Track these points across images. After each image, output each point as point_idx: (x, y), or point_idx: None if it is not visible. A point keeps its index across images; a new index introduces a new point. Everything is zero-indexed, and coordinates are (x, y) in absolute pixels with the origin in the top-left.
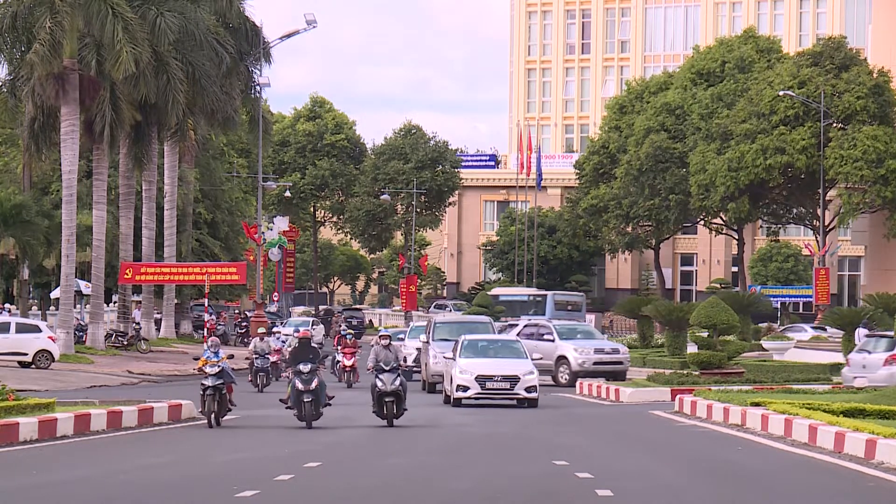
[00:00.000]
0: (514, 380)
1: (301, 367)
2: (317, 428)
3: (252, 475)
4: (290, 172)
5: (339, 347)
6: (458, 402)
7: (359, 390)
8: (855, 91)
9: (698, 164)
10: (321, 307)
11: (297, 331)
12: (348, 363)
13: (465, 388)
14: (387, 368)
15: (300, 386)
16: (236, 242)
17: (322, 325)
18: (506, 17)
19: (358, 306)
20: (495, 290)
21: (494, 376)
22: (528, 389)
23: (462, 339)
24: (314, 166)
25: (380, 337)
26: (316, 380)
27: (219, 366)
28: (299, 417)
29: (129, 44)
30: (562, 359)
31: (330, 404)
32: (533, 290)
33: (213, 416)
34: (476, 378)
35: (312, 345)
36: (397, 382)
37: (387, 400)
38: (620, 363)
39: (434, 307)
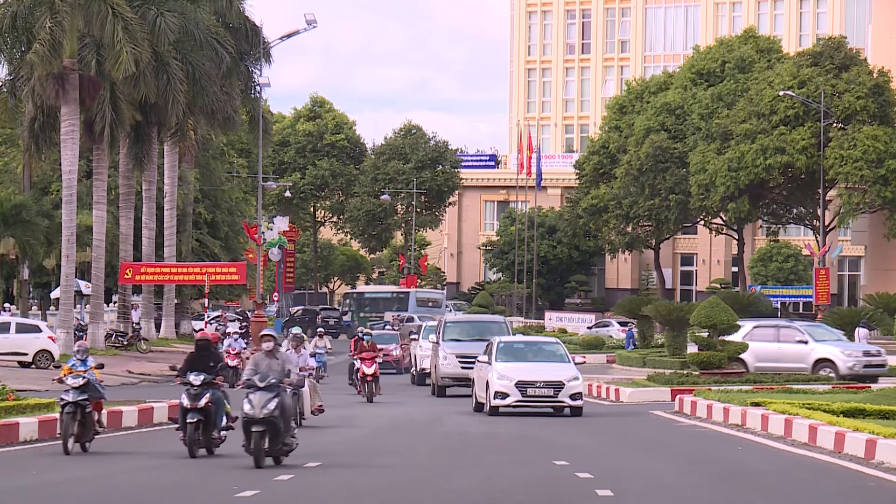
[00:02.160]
0: (557, 386)
1: (192, 377)
2: (209, 457)
3: (252, 475)
4: (290, 172)
5: (356, 352)
6: (495, 411)
7: (382, 405)
8: (855, 91)
9: (698, 164)
10: (298, 307)
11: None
12: (369, 371)
13: (504, 395)
14: (261, 385)
15: (186, 402)
16: (236, 242)
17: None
18: (506, 17)
19: (335, 305)
20: (361, 288)
21: (536, 382)
22: (572, 397)
23: (497, 341)
24: (314, 166)
25: (261, 337)
26: (208, 395)
27: (84, 377)
28: (183, 442)
29: (129, 44)
30: (823, 362)
31: (232, 427)
32: (395, 288)
33: (71, 439)
34: (516, 384)
35: (216, 350)
36: (272, 406)
37: (254, 430)
38: (883, 365)
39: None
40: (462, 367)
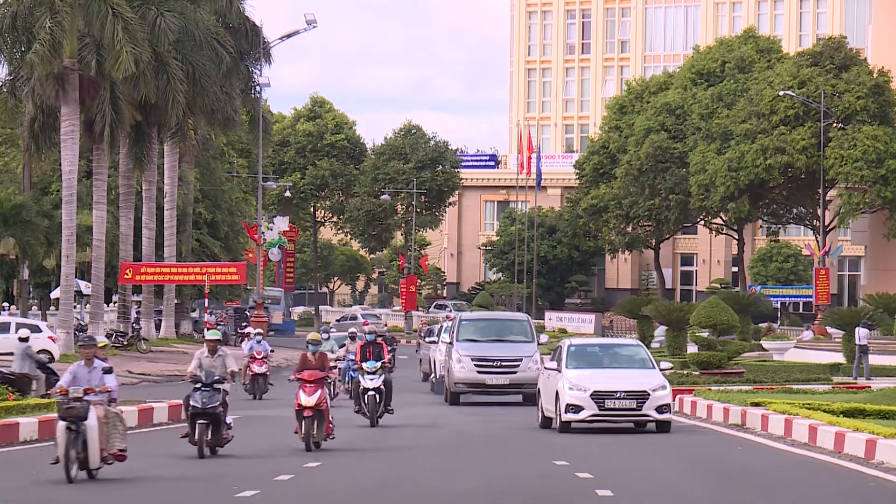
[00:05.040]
0: (641, 397)
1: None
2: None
3: (252, 475)
4: (290, 172)
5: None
6: (566, 427)
7: (331, 455)
8: (855, 91)
9: (698, 164)
10: (231, 307)
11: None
12: (308, 401)
13: (578, 409)
14: None
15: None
16: (236, 242)
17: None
18: (506, 17)
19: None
20: None
21: (615, 393)
22: (659, 409)
23: (567, 346)
24: (314, 166)
25: None
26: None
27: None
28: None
29: (129, 44)
30: None
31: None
32: None
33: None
34: (592, 395)
35: None
36: None
37: None
38: None
39: (434, 307)
40: (478, 372)
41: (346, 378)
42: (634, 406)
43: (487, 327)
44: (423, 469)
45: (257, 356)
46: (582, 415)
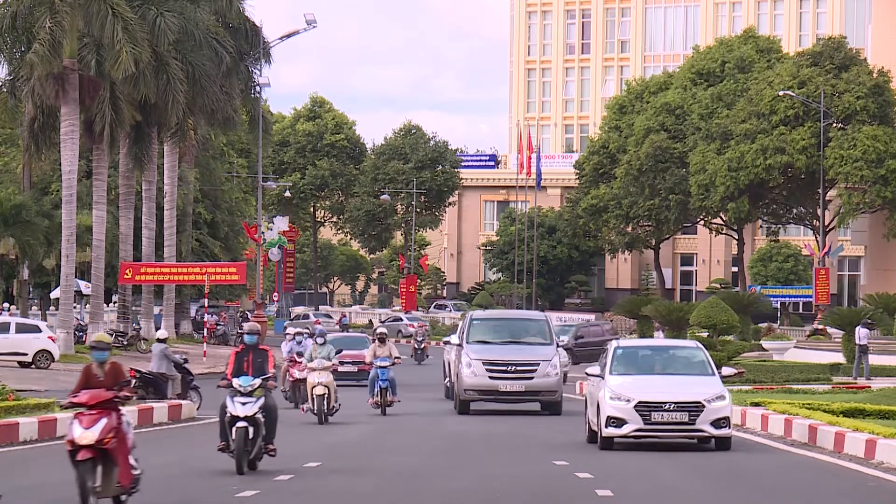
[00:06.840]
0: (694, 409)
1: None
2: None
3: (252, 475)
4: (290, 172)
5: (75, 388)
6: (607, 443)
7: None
8: (855, 91)
9: (698, 164)
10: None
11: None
12: (82, 436)
13: (620, 423)
14: None
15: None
16: (236, 242)
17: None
18: (506, 17)
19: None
20: None
21: (664, 404)
22: (715, 423)
23: (614, 348)
24: (314, 166)
25: None
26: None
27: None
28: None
29: (128, 44)
30: None
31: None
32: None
33: None
34: (636, 407)
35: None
36: None
37: None
38: None
39: (434, 307)
40: (490, 378)
41: (374, 389)
42: (686, 420)
43: (500, 328)
44: (423, 468)
45: (297, 359)
46: (625, 429)
